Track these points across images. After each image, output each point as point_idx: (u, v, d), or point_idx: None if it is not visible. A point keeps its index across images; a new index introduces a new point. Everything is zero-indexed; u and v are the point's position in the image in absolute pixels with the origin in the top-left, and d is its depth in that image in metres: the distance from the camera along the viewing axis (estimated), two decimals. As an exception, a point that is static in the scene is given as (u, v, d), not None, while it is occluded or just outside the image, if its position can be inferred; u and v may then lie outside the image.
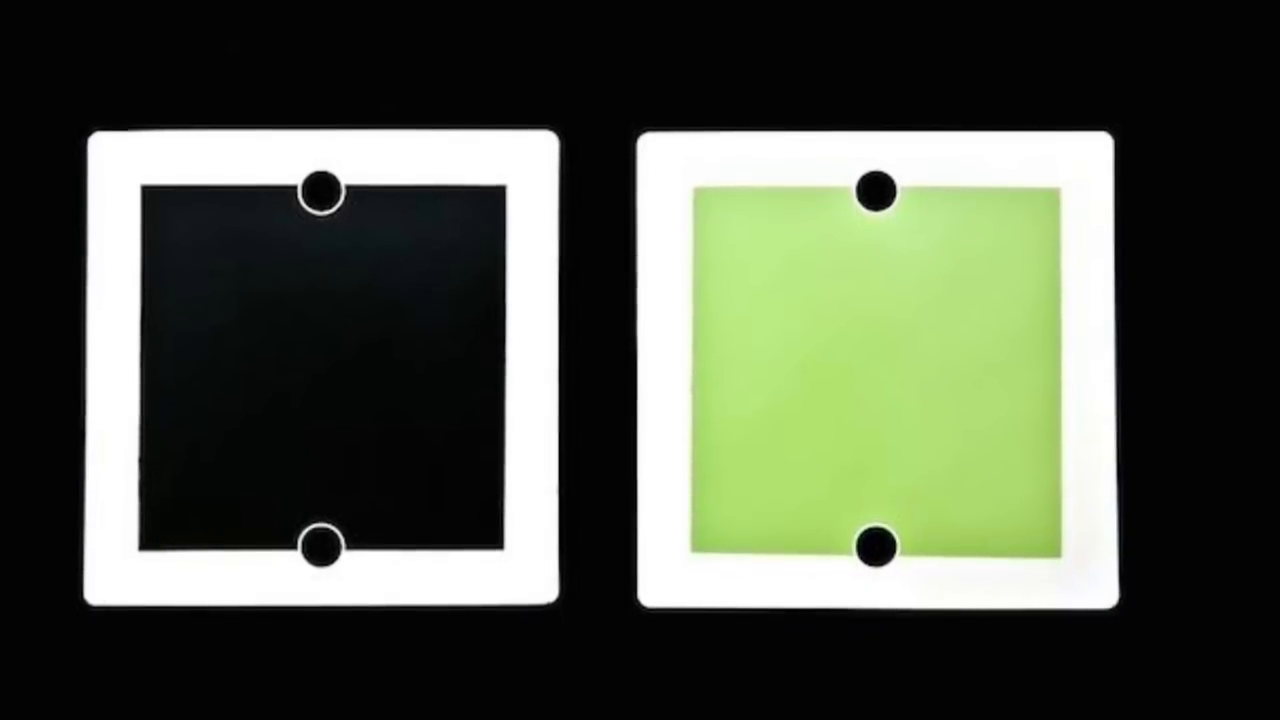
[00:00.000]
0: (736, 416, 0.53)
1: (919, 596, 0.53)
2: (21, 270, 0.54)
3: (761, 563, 0.53)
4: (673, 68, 0.54)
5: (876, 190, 0.53)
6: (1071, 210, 0.53)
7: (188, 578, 0.53)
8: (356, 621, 0.53)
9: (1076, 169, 0.53)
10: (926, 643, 0.53)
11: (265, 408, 0.53)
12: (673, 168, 0.53)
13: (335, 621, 0.53)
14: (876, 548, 0.53)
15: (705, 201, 0.53)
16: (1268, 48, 0.54)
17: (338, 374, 0.53)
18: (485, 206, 0.53)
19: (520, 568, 0.53)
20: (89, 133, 0.53)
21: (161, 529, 0.53)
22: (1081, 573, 0.52)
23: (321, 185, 0.53)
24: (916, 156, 0.53)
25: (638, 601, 0.53)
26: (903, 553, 0.53)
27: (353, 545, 0.53)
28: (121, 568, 0.53)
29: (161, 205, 0.53)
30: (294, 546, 0.53)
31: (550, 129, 0.54)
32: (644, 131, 0.53)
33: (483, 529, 0.53)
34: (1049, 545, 0.52)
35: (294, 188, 0.53)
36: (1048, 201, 0.53)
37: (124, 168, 0.53)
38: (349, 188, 0.53)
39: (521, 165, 0.53)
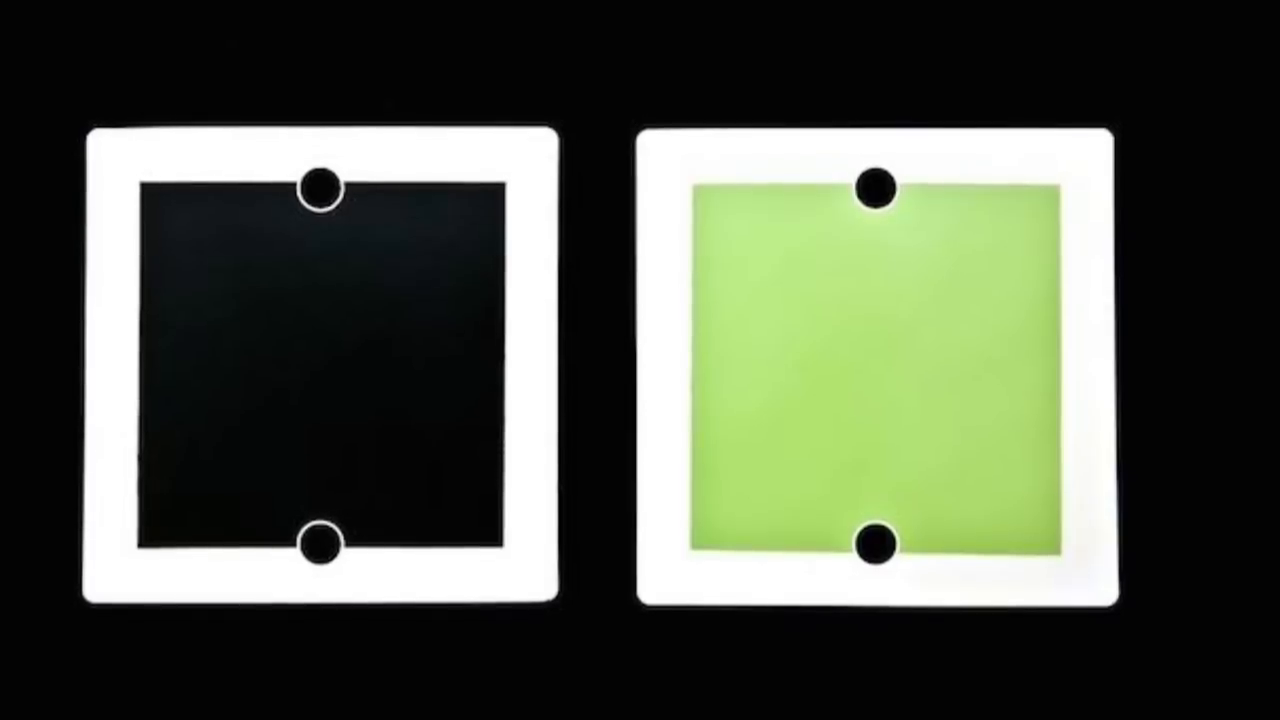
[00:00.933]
0: (736, 413, 0.53)
1: (918, 594, 0.53)
2: (21, 267, 0.54)
3: (761, 560, 0.53)
4: (672, 65, 0.54)
5: (876, 187, 0.53)
6: (1071, 207, 0.53)
7: (187, 575, 0.53)
8: (356, 619, 0.53)
9: (1076, 166, 0.53)
10: (926, 640, 0.53)
11: (264, 405, 0.53)
12: (672, 165, 0.53)
13: (334, 619, 0.53)
14: (876, 545, 0.53)
15: (705, 198, 0.53)
16: (1267, 45, 0.54)
17: (337, 371, 0.53)
18: (485, 204, 0.53)
19: (519, 565, 0.53)
20: (88, 129, 0.53)
21: (161, 526, 0.53)
22: (1081, 570, 0.52)
23: (321, 182, 0.53)
24: (916, 153, 0.53)
25: (637, 599, 0.53)
26: (902, 550, 0.53)
27: (352, 542, 0.53)
28: (120, 565, 0.53)
29: (161, 202, 0.53)
30: (293, 544, 0.53)
31: (550, 126, 0.53)
32: (643, 128, 0.53)
33: (482, 526, 0.53)
34: (1049, 542, 0.52)
35: (293, 185, 0.53)
36: (1047, 198, 0.53)
37: (123, 165, 0.53)
38: (348, 185, 0.53)
39: (521, 162, 0.53)
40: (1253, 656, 0.53)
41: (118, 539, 0.52)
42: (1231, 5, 0.54)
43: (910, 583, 0.53)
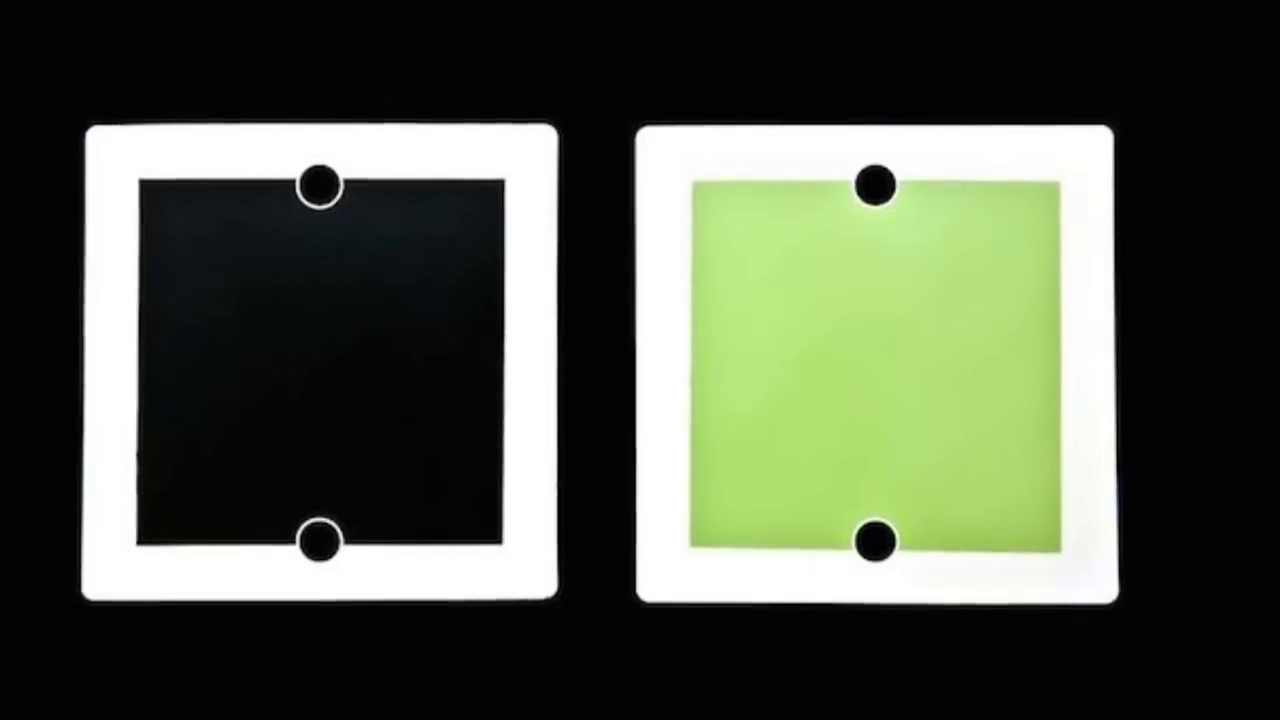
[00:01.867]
0: (736, 411, 0.53)
1: (918, 591, 0.53)
2: (19, 264, 0.54)
3: (760, 557, 0.52)
4: (671, 62, 0.54)
5: (876, 184, 0.53)
6: (1071, 204, 0.53)
7: (186, 572, 0.52)
8: (355, 616, 0.53)
9: (1076, 163, 0.53)
10: (926, 638, 0.53)
11: (263, 402, 0.53)
12: (672, 162, 0.53)
13: (334, 616, 0.53)
14: (876, 542, 0.53)
15: (704, 195, 0.53)
16: (1267, 42, 0.54)
17: (336, 369, 0.53)
18: (484, 201, 0.53)
19: (519, 562, 0.53)
20: (87, 127, 0.53)
21: (160, 524, 0.53)
22: (1081, 567, 0.52)
23: (320, 179, 0.53)
24: (916, 150, 0.53)
25: (636, 596, 0.53)
26: (902, 547, 0.53)
27: (351, 540, 0.53)
28: (119, 562, 0.52)
29: (160, 199, 0.53)
30: (292, 541, 0.53)
31: (549, 123, 0.53)
32: (643, 125, 0.53)
33: (481, 524, 0.53)
34: (1048, 540, 0.52)
35: (292, 182, 0.53)
36: (1047, 195, 0.53)
37: (122, 162, 0.53)
38: (347, 182, 0.53)
39: (520, 159, 0.53)
40: (1252, 654, 0.53)
41: (117, 536, 0.52)
42: (1231, 2, 0.54)
43: (910, 580, 0.53)
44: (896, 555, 0.53)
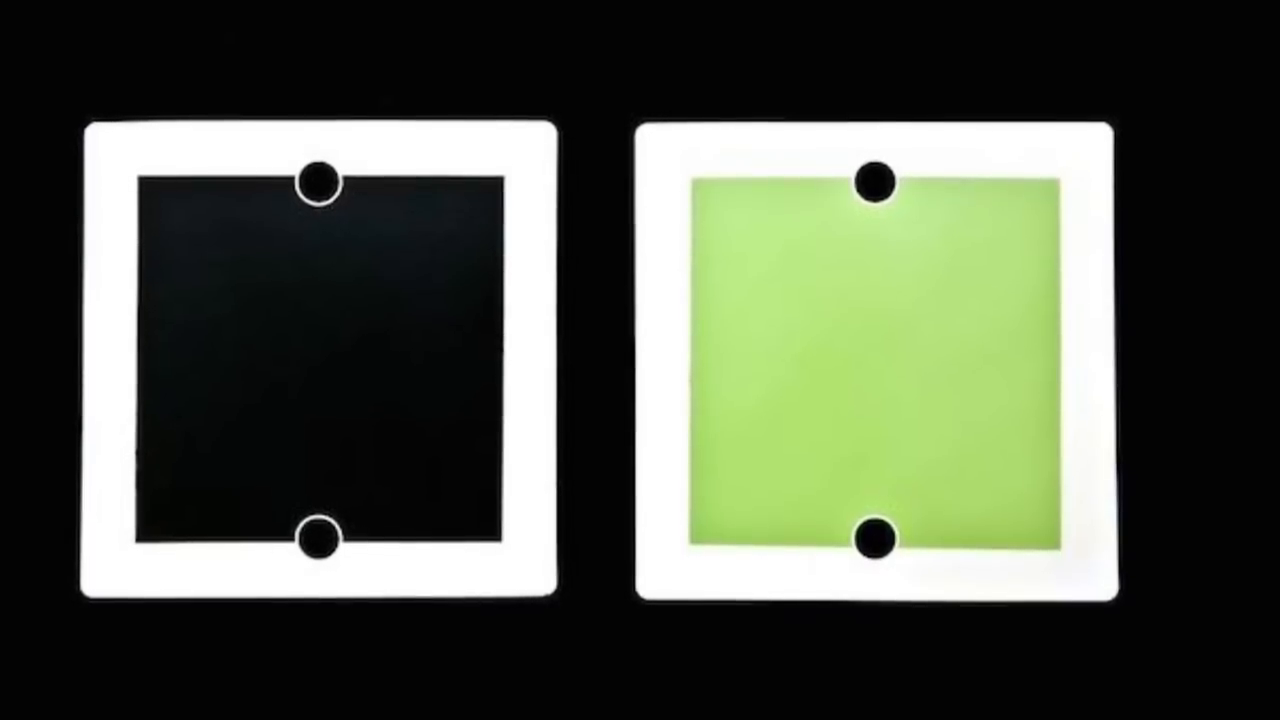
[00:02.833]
0: (735, 408, 0.53)
1: (918, 588, 0.53)
2: (18, 261, 0.54)
3: (760, 554, 0.52)
4: (671, 58, 0.54)
5: (875, 181, 0.53)
6: (1071, 201, 0.53)
7: (184, 569, 0.52)
8: (354, 613, 0.53)
9: (1076, 160, 0.53)
10: (925, 635, 0.53)
11: (262, 399, 0.53)
12: (671, 158, 0.53)
13: (333, 614, 0.53)
14: (875, 539, 0.53)
15: (704, 192, 0.53)
16: (1266, 39, 0.54)
17: (335, 365, 0.53)
18: (483, 197, 0.53)
19: (518, 559, 0.53)
20: (86, 123, 0.53)
21: (158, 521, 0.53)
22: (1081, 564, 0.52)
23: (319, 176, 0.53)
24: (915, 147, 0.53)
25: (636, 593, 0.53)
26: (902, 544, 0.53)
27: (350, 537, 0.53)
28: (118, 559, 0.52)
29: (158, 196, 0.53)
30: (291, 538, 0.53)
31: (548, 120, 0.53)
32: (642, 122, 0.53)
33: (480, 521, 0.53)
34: (1048, 537, 0.52)
35: (291, 179, 0.53)
36: (1047, 192, 0.53)
37: (121, 158, 0.53)
38: (346, 179, 0.53)
39: (519, 156, 0.53)
40: (1252, 651, 0.53)
41: (116, 533, 0.52)
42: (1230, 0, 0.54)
43: (909, 577, 0.53)
44: (896, 552, 0.53)
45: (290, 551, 0.53)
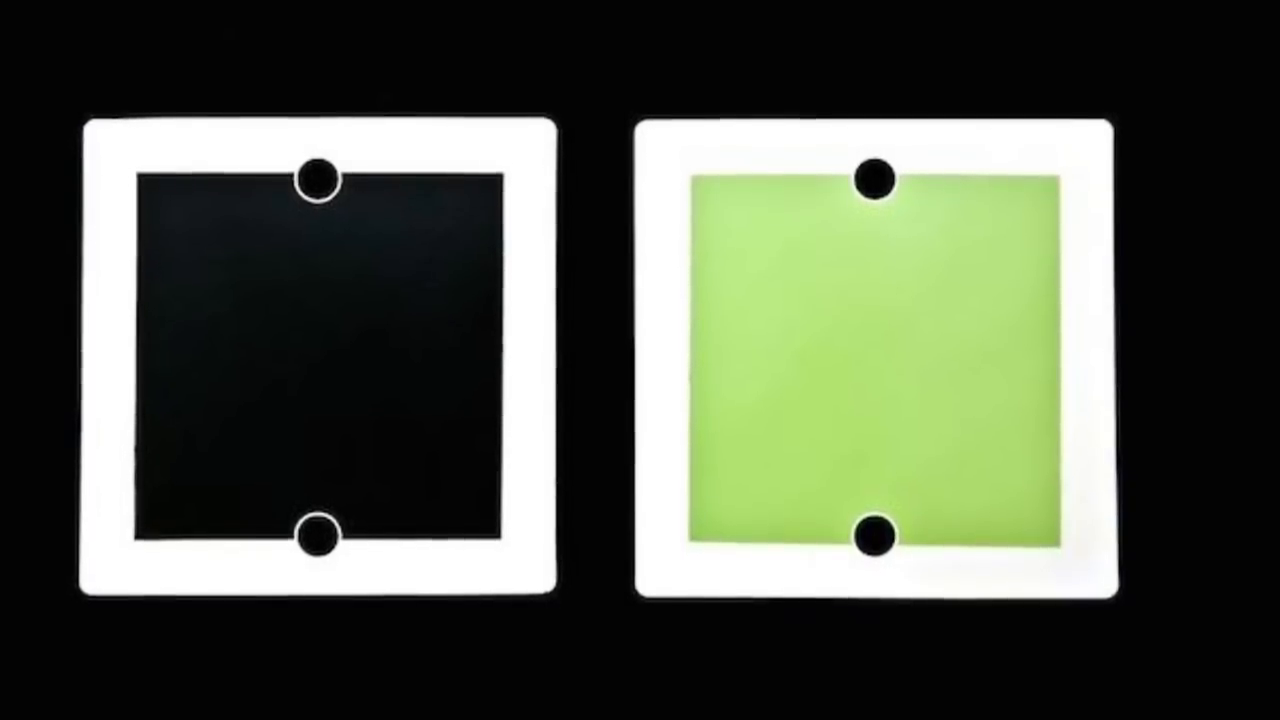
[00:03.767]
0: (735, 405, 0.53)
1: (918, 586, 0.53)
2: (17, 258, 0.54)
3: (760, 552, 0.52)
4: (670, 55, 0.54)
5: (875, 178, 0.53)
6: (1071, 198, 0.53)
7: (184, 567, 0.52)
8: (353, 611, 0.53)
9: (1076, 157, 0.53)
10: (925, 632, 0.53)
11: (262, 396, 0.53)
12: (671, 155, 0.53)
13: (332, 611, 0.53)
14: (875, 537, 0.53)
15: (703, 189, 0.53)
16: (1266, 36, 0.54)
17: (334, 363, 0.53)
18: (482, 195, 0.53)
19: (517, 557, 0.53)
20: (84, 120, 0.53)
21: (157, 518, 0.52)
22: (1080, 562, 0.52)
23: (318, 173, 0.53)
24: (915, 144, 0.53)
25: (635, 591, 0.53)
26: (901, 542, 0.53)
27: (349, 534, 0.53)
28: (117, 557, 0.52)
29: (157, 193, 0.53)
30: (290, 536, 0.53)
31: (548, 117, 0.53)
32: (642, 119, 0.53)
33: (480, 518, 0.53)
34: (1048, 534, 0.52)
35: (290, 176, 0.53)
36: (1047, 189, 0.53)
37: (120, 155, 0.53)
38: (346, 176, 0.53)
39: (519, 153, 0.53)
40: (1252, 649, 0.53)
41: (114, 531, 0.52)
42: (1231, -4, 0.54)
43: (909, 575, 0.53)
44: (896, 550, 0.53)
45: (289, 549, 0.53)
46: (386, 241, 0.53)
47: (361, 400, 0.53)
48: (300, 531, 0.53)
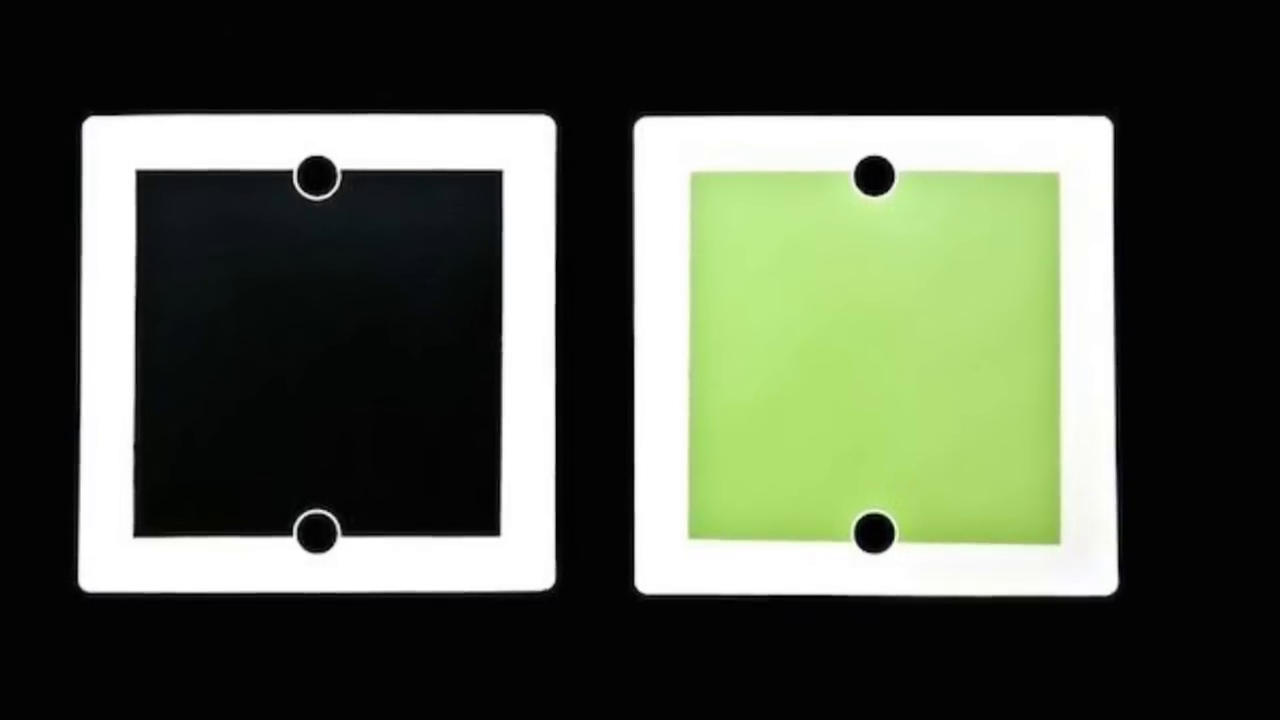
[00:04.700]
0: (734, 402, 0.53)
1: (917, 583, 0.52)
2: (16, 256, 0.54)
3: (759, 549, 0.52)
4: (670, 52, 0.54)
5: (875, 175, 0.53)
6: (1071, 195, 0.53)
7: (183, 564, 0.52)
8: (352, 608, 0.53)
9: (1076, 153, 0.53)
10: (925, 630, 0.53)
11: (261, 393, 0.52)
12: (670, 153, 0.53)
13: (331, 608, 0.53)
14: (875, 534, 0.53)
15: (703, 186, 0.53)
16: (1266, 33, 0.54)
17: (334, 359, 0.53)
18: (482, 191, 0.53)
19: (517, 554, 0.53)
20: (83, 117, 0.53)
21: (156, 515, 0.52)
22: (1080, 559, 0.52)
23: (317, 170, 0.53)
24: (915, 141, 0.53)
25: (635, 588, 0.53)
26: (901, 539, 0.52)
27: (349, 532, 0.53)
28: (116, 554, 0.52)
29: (157, 190, 0.53)
30: (290, 533, 0.53)
31: (547, 114, 0.53)
32: (641, 116, 0.53)
33: (479, 515, 0.53)
34: (1048, 532, 0.52)
35: (290, 173, 0.53)
36: (1047, 186, 0.53)
37: (119, 152, 0.53)
38: (345, 173, 0.53)
39: (518, 150, 0.53)
40: (1252, 647, 0.53)
41: (113, 528, 0.52)
42: (1231, -7, 0.54)
43: (909, 572, 0.53)
44: (895, 547, 0.53)
45: (289, 546, 0.53)
46: (386, 238, 0.53)
47: (361, 397, 0.53)
48: (299, 529, 0.53)
